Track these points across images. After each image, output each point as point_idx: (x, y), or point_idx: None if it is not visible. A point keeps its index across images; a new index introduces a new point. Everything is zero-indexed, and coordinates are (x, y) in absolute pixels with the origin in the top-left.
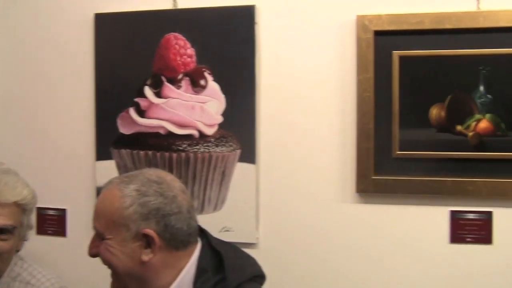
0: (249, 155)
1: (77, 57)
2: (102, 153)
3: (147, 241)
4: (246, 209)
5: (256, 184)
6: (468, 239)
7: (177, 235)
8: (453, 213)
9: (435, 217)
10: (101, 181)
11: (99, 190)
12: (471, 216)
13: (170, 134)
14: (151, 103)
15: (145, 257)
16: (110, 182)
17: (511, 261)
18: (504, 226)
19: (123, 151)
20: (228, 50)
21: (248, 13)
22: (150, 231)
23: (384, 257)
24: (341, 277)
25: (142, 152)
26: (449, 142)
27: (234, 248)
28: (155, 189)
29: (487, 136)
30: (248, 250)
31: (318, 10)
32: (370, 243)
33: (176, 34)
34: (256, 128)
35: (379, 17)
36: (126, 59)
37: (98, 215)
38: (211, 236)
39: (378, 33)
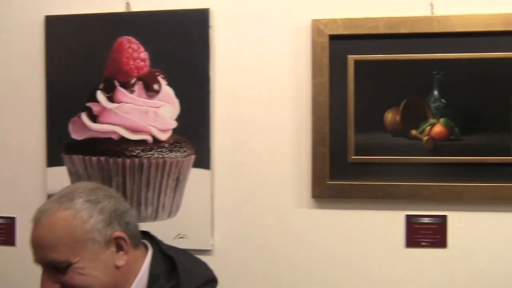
0: (203, 161)
1: (27, 60)
2: (53, 159)
3: (118, 245)
4: (201, 215)
5: (211, 190)
6: (423, 243)
7: (134, 232)
8: (408, 217)
9: (391, 222)
10: (52, 188)
11: (50, 197)
12: (426, 220)
13: (123, 140)
14: (104, 108)
15: (121, 261)
16: (44, 211)
17: (466, 265)
18: (458, 229)
19: (75, 157)
20: (182, 54)
21: (202, 16)
22: (120, 233)
23: (339, 262)
24: (297, 282)
25: (94, 158)
26: (404, 147)
27: (185, 253)
28: (102, 193)
29: (441, 140)
30: (203, 257)
31: (273, 14)
32: (326, 248)
33: (129, 37)
34: (210, 133)
35: (334, 21)
36: (78, 62)
37: (53, 246)
38: (161, 242)
39: (333, 37)
